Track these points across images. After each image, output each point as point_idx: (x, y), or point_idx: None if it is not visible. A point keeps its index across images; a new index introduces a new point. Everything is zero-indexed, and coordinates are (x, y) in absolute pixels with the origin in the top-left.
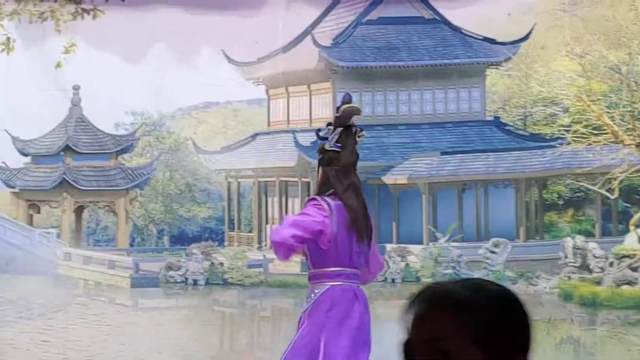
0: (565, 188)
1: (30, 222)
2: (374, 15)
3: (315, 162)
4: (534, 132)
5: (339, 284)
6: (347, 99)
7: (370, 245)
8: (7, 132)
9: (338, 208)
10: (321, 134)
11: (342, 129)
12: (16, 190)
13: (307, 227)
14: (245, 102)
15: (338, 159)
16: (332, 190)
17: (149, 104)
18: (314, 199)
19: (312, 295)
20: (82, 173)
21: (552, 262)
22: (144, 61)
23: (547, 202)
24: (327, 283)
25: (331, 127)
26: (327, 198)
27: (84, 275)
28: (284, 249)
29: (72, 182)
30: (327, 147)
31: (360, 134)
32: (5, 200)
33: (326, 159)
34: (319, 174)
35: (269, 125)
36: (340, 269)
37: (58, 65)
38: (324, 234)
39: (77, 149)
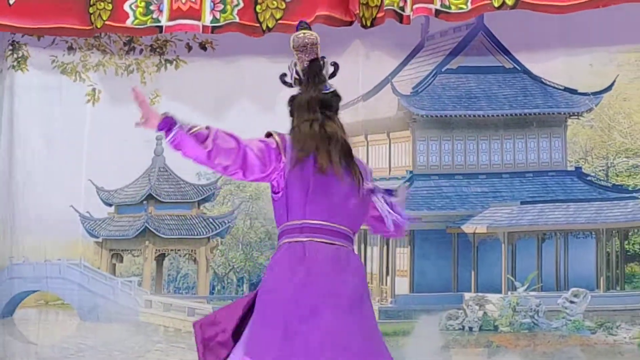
0: None
1: (113, 271)
2: (453, 64)
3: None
4: (616, 183)
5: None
6: (303, 26)
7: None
8: (92, 182)
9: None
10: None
11: (297, 63)
12: (99, 239)
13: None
14: None
15: (296, 99)
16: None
17: None
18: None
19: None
20: (164, 222)
21: (632, 312)
22: (226, 110)
23: (629, 253)
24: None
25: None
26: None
27: (164, 322)
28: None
29: (154, 231)
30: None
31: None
32: (89, 249)
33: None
34: None
35: None
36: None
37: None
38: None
39: (160, 198)
